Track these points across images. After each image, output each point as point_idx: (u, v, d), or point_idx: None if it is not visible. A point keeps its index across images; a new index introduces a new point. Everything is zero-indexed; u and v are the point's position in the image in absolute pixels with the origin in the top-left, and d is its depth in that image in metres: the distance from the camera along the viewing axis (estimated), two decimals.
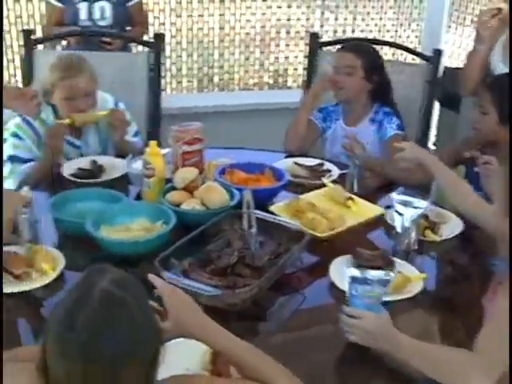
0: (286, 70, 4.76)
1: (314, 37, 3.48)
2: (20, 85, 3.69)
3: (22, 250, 1.98)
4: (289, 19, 4.66)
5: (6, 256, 1.91)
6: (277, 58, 4.72)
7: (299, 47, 4.73)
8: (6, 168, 2.67)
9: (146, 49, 3.39)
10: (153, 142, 2.23)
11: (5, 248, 1.93)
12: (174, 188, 2.23)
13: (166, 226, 2.00)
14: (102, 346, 1.10)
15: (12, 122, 2.73)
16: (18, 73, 4.26)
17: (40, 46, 3.47)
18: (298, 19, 4.69)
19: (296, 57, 4.75)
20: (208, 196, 2.12)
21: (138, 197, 2.38)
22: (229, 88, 4.67)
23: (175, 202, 2.15)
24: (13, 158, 2.67)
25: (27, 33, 3.23)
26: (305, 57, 4.68)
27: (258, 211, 2.09)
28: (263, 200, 2.23)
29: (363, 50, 2.94)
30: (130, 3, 3.66)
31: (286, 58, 4.74)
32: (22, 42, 4.10)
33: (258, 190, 2.22)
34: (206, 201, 2.12)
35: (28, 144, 2.68)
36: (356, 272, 1.68)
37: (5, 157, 2.69)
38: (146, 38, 3.84)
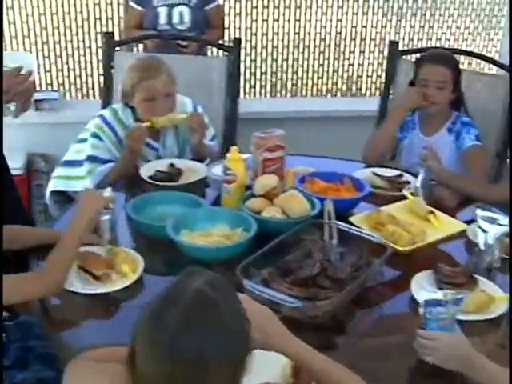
0: (359, 76, 4.70)
1: (394, 45, 3.42)
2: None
3: (102, 251, 1.99)
4: (364, 26, 4.61)
5: (86, 256, 1.93)
6: (351, 64, 4.68)
7: (374, 54, 4.68)
8: (85, 167, 2.71)
9: (221, 52, 3.40)
10: (234, 148, 2.21)
11: (85, 248, 1.95)
12: (253, 195, 2.22)
13: (247, 234, 1.98)
14: (190, 345, 1.09)
15: (92, 123, 2.77)
16: (95, 73, 4.34)
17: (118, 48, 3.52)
18: (374, 26, 4.64)
19: (371, 64, 4.70)
20: (289, 205, 2.09)
21: (216, 202, 2.37)
22: (302, 94, 4.64)
23: (255, 209, 2.13)
24: (92, 158, 2.70)
25: (108, 35, 3.26)
26: (379, 64, 4.67)
27: (340, 222, 2.06)
28: (343, 210, 2.20)
29: (453, 63, 2.87)
30: (208, 7, 3.69)
31: (361, 64, 4.68)
32: (99, 44, 4.20)
33: (338, 200, 2.18)
34: (286, 209, 2.10)
35: (107, 145, 2.71)
36: (429, 295, 1.64)
37: (84, 156, 2.72)
38: (222, 42, 3.86)
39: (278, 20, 4.41)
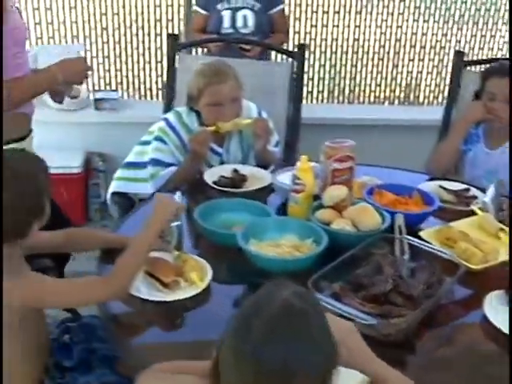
0: (418, 85, 4.64)
1: (459, 55, 3.35)
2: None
3: (168, 257, 1.98)
4: (424, 33, 4.54)
5: (155, 262, 1.92)
6: (410, 72, 4.62)
7: (433, 62, 4.61)
8: (148, 170, 2.71)
9: (284, 56, 3.38)
10: (304, 157, 2.18)
11: (153, 254, 1.93)
12: (321, 205, 2.18)
13: (318, 246, 1.95)
14: (276, 356, 1.08)
15: (156, 126, 2.77)
16: (153, 74, 4.36)
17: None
18: (434, 34, 4.58)
19: (430, 72, 4.63)
20: (360, 218, 2.06)
21: (281, 210, 2.34)
22: (359, 101, 4.60)
23: (324, 221, 2.10)
24: (155, 161, 2.70)
25: (172, 37, 3.26)
26: (438, 72, 4.60)
27: (411, 237, 2.02)
28: (412, 224, 2.15)
29: None
30: (272, 11, 3.68)
31: (419, 72, 4.62)
32: (159, 45, 4.22)
33: (409, 215, 2.14)
34: (357, 222, 2.06)
35: (171, 148, 2.70)
36: None
37: (147, 159, 2.72)
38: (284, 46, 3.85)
39: (337, 26, 4.38)
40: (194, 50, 4.08)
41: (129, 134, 3.84)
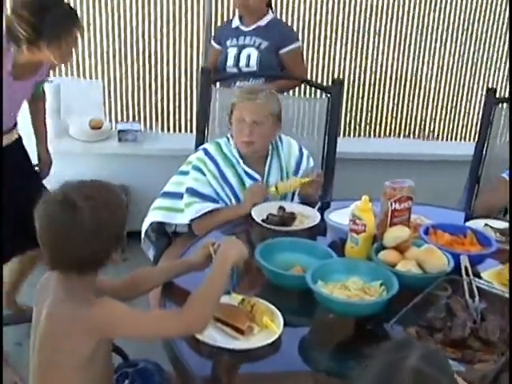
0: (458, 120, 4.68)
1: (491, 92, 3.37)
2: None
3: (231, 300, 1.93)
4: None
5: (226, 309, 1.86)
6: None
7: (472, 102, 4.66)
8: (183, 199, 2.68)
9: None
10: (365, 198, 2.16)
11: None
12: (382, 246, 2.16)
13: (386, 289, 1.92)
14: None
15: (195, 156, 2.75)
16: (171, 106, 4.36)
17: None
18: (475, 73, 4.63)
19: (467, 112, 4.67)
20: (428, 259, 2.03)
21: (334, 249, 2.31)
22: (395, 135, 4.62)
23: (388, 262, 2.07)
24: (191, 191, 2.67)
25: (205, 70, 3.25)
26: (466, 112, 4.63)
27: (478, 279, 2.01)
28: (471, 265, 2.14)
29: None
30: (282, 50, 3.55)
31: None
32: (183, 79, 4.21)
33: (472, 256, 2.13)
34: (424, 264, 2.04)
35: (208, 179, 2.68)
36: None
37: (184, 189, 2.69)
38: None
39: (377, 59, 4.40)
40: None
41: (151, 166, 3.86)
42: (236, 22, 3.63)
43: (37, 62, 2.66)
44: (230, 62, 3.57)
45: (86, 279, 1.66)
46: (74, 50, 2.65)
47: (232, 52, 3.57)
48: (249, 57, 3.53)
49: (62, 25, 2.53)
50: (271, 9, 3.66)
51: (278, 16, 4.04)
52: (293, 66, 3.58)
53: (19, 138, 2.92)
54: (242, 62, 3.54)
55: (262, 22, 3.56)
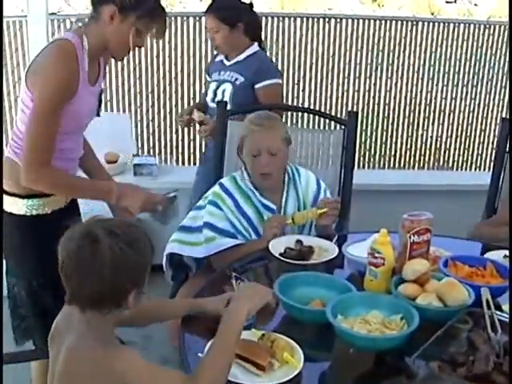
0: (473, 150, 4.68)
1: (505, 121, 3.36)
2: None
3: (251, 336, 1.91)
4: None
5: (246, 345, 1.85)
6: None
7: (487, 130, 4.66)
8: (204, 234, 2.68)
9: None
10: (383, 231, 2.16)
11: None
12: (401, 279, 2.15)
13: (410, 324, 1.90)
14: None
15: (211, 190, 2.75)
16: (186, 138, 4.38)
17: None
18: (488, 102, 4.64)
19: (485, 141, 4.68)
20: (449, 293, 2.02)
21: (352, 283, 2.30)
22: (410, 166, 4.62)
23: (408, 295, 2.06)
24: (208, 225, 2.68)
25: (221, 104, 3.26)
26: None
27: (500, 312, 1.99)
28: (493, 297, 2.12)
29: None
30: (256, 85, 3.47)
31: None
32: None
33: (493, 288, 2.11)
34: (445, 297, 2.02)
35: (225, 214, 2.68)
36: None
37: (198, 223, 2.70)
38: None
39: (390, 90, 4.41)
40: None
41: None
42: (221, 56, 3.64)
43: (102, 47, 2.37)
44: (210, 96, 3.59)
45: (105, 319, 1.65)
46: (139, 46, 2.42)
47: (212, 87, 3.59)
48: (223, 92, 3.52)
49: (159, 10, 2.38)
50: (260, 41, 3.61)
51: (291, 50, 4.04)
52: (266, 102, 3.44)
53: None
54: (218, 97, 3.52)
55: (242, 56, 3.53)
